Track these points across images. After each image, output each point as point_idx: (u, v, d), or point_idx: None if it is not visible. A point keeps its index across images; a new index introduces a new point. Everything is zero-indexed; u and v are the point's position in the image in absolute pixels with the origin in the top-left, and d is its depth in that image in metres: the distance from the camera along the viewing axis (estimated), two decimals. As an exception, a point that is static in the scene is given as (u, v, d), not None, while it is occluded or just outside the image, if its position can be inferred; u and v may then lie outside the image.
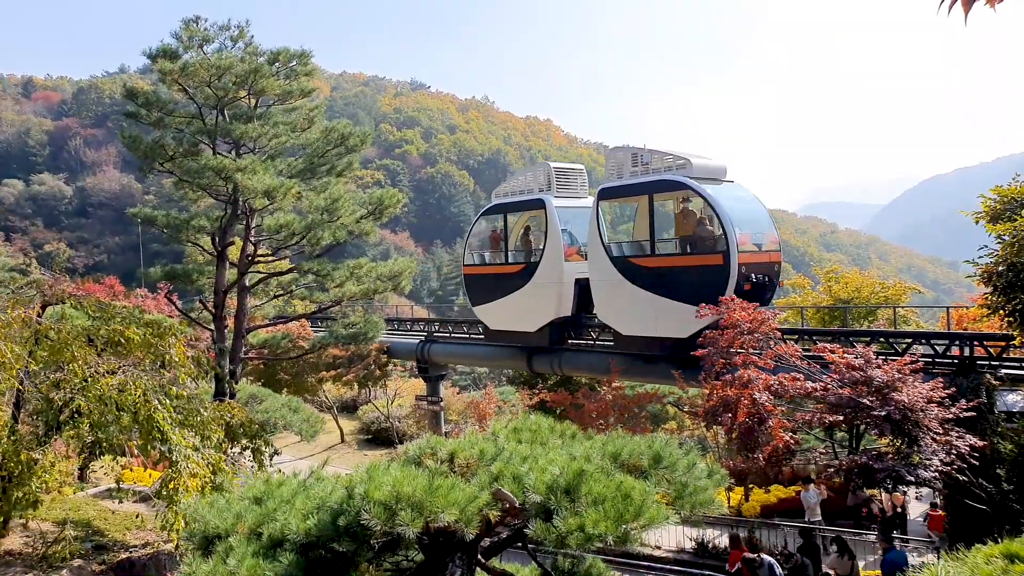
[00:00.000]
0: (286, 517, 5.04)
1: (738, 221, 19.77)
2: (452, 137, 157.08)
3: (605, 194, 22.85)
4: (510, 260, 26.30)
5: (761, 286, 20.18)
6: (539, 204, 24.78)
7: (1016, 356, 17.70)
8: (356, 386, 37.32)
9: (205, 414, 11.74)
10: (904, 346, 18.97)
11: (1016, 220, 11.11)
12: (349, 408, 40.33)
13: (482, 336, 31.40)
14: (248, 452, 13.75)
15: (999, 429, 15.68)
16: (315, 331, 33.56)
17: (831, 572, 13.42)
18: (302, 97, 25.20)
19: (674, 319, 20.34)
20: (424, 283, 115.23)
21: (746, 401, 16.12)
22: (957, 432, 14.58)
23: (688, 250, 20.99)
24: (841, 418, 15.82)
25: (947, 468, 14.06)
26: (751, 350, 17.12)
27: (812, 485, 18.12)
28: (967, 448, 14.18)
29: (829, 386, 15.65)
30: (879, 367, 15.60)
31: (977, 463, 14.28)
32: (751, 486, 20.57)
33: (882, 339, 19.93)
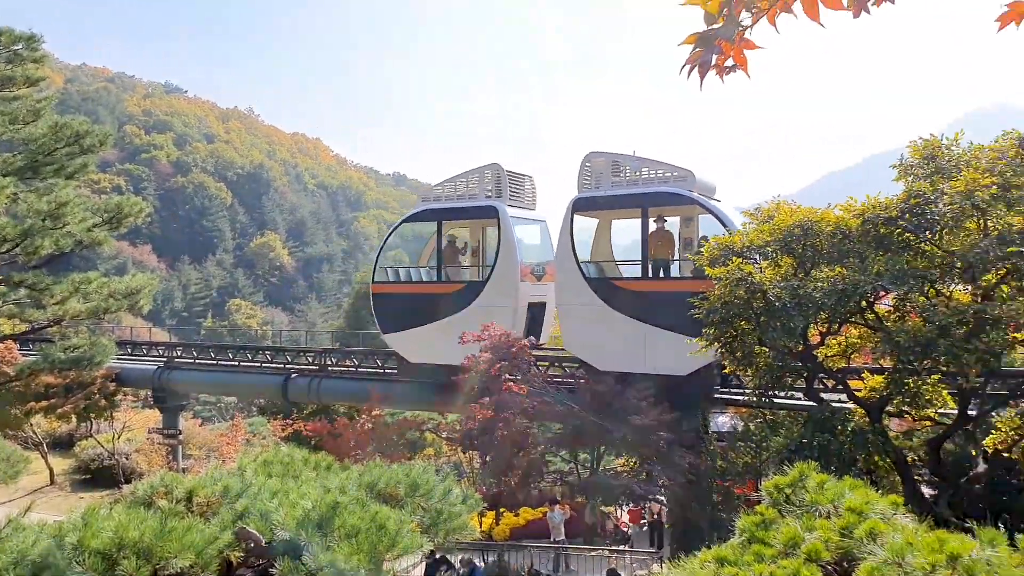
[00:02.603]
0: (-28, 576, 4.28)
1: None
2: (210, 147, 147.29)
3: (582, 205, 19.90)
4: (445, 278, 22.40)
5: None
6: (490, 212, 21.26)
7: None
8: (75, 418, 32.91)
9: None
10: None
11: (728, 265, 12.75)
12: (64, 444, 35.19)
13: (234, 363, 29.48)
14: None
15: (711, 448, 17.74)
16: (26, 354, 29.15)
17: None
18: (28, 86, 22.16)
19: (672, 353, 17.38)
20: (167, 303, 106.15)
21: (501, 423, 16.76)
22: (681, 452, 16.27)
23: (695, 274, 18.06)
24: (585, 440, 17.00)
25: (672, 484, 15.63)
26: (510, 375, 17.79)
27: (558, 506, 19.11)
28: (687, 465, 15.87)
29: (576, 410, 16.74)
30: (620, 393, 16.99)
31: (695, 478, 16.03)
32: (502, 510, 21.23)
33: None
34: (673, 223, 19.90)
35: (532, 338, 20.56)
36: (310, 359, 27.50)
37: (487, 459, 18.25)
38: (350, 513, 4.91)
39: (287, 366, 27.52)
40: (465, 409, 18.67)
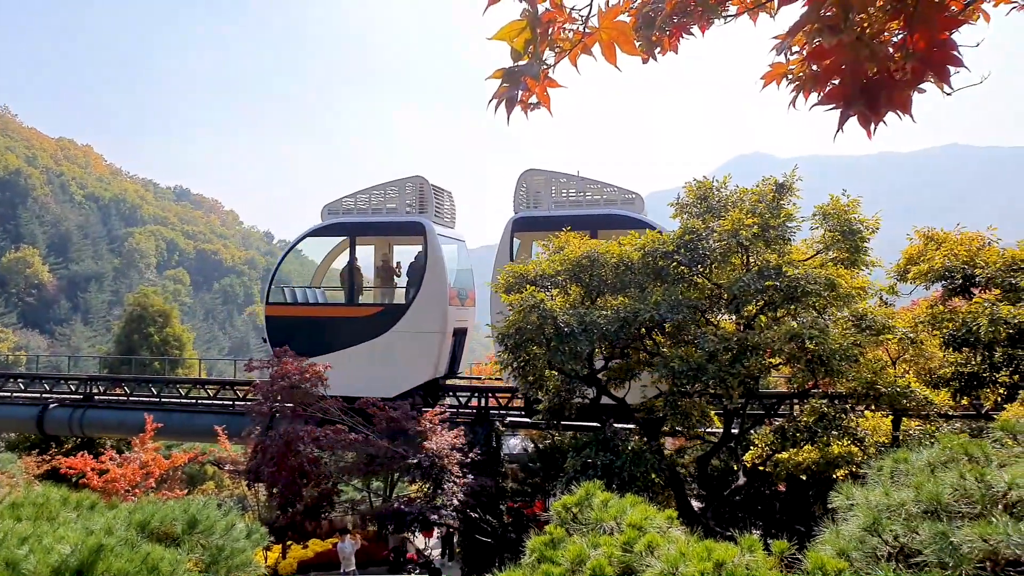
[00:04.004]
0: None
1: None
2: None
3: (524, 225, 18.63)
4: (359, 299, 20.17)
5: None
6: (415, 229, 19.41)
7: (518, 406, 20.73)
8: None
9: None
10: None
11: (523, 292, 13.24)
12: None
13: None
14: None
15: (503, 469, 18.18)
16: None
17: None
18: None
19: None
20: None
21: (291, 454, 16.08)
22: (473, 475, 16.51)
23: None
24: (379, 468, 16.73)
25: (463, 506, 15.79)
26: (300, 403, 17.14)
27: (348, 536, 18.59)
28: (479, 487, 16.13)
29: (370, 437, 16.44)
30: (414, 418, 16.92)
31: (487, 500, 16.32)
32: (289, 543, 20.28)
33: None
34: None
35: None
36: (73, 387, 24.72)
37: (274, 491, 17.39)
38: (117, 556, 4.44)
39: (44, 395, 24.52)
40: (251, 439, 17.69)
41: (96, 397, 23.77)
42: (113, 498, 16.00)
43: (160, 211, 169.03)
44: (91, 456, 21.09)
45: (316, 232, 20.87)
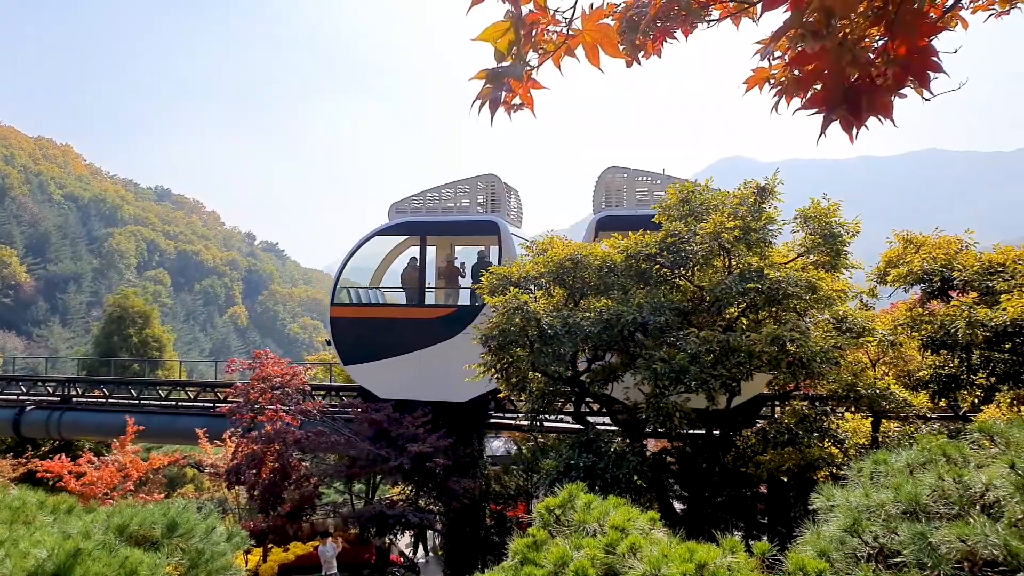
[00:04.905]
0: None
1: None
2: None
3: (608, 224, 17.67)
4: (429, 300, 19.74)
5: None
6: (489, 228, 18.87)
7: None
8: None
9: None
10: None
11: (507, 294, 13.23)
12: None
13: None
14: None
15: (486, 472, 18.16)
16: None
17: None
18: None
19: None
20: None
21: (272, 456, 15.98)
22: (455, 477, 16.48)
23: None
24: (361, 470, 16.65)
25: (446, 509, 15.77)
26: (281, 405, 17.04)
27: (329, 539, 18.50)
28: (462, 490, 16.11)
29: (352, 440, 16.37)
30: (398, 420, 16.87)
31: (469, 502, 16.30)
32: (270, 546, 20.14)
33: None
34: None
35: None
36: (50, 389, 24.42)
37: (254, 493, 17.27)
38: (94, 560, 4.39)
39: (21, 398, 24.22)
40: (232, 441, 17.58)
41: (74, 399, 23.53)
42: (91, 501, 15.83)
43: (141, 211, 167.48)
44: (68, 459, 20.83)
45: (385, 231, 20.14)
